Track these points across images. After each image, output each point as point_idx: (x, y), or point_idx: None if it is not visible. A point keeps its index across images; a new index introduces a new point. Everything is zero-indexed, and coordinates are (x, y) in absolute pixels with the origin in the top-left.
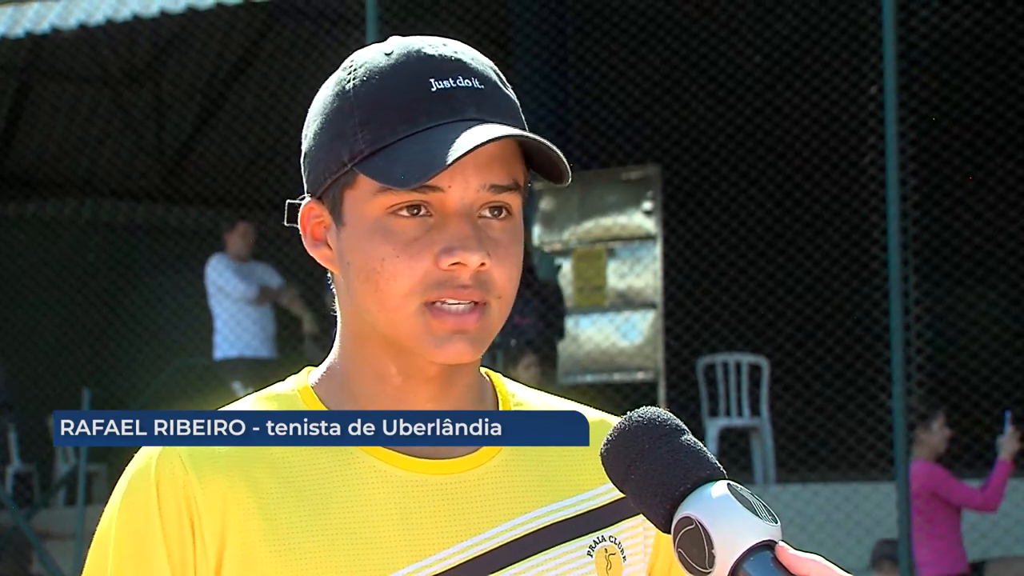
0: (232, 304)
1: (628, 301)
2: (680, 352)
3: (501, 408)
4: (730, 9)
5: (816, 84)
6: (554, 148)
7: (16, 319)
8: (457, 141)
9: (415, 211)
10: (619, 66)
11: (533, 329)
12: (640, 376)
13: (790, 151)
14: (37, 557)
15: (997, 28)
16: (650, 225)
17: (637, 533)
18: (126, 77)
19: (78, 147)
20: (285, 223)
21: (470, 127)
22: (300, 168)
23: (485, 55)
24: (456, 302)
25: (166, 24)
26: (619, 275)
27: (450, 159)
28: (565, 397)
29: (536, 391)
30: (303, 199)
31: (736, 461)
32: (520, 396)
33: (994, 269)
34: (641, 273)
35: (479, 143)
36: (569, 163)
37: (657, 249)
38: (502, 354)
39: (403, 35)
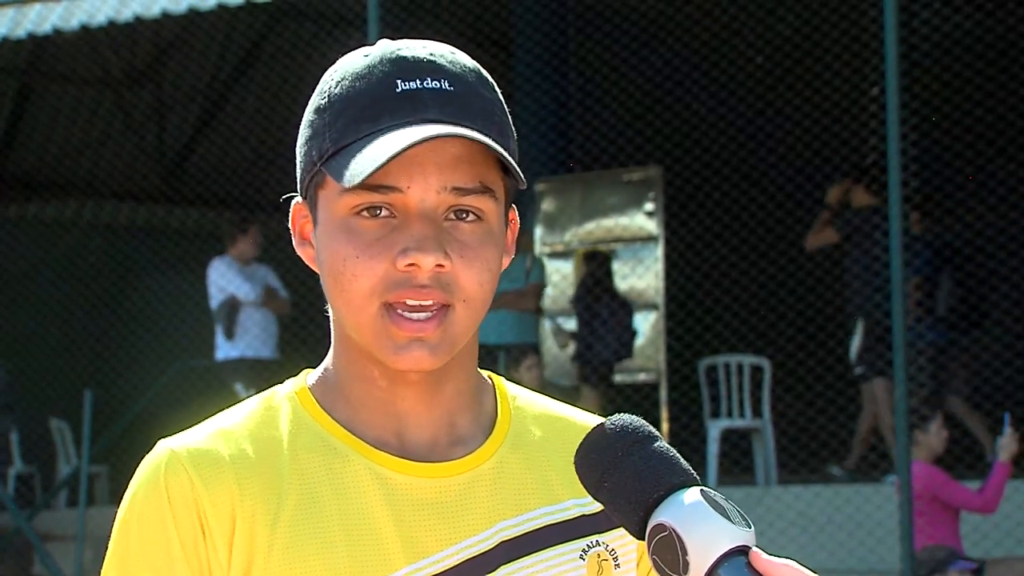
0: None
1: (630, 302)
2: (682, 353)
3: (500, 411)
4: (731, 10)
5: (818, 85)
6: (498, 149)
7: (17, 321)
8: (396, 138)
9: (376, 212)
10: (620, 67)
11: (609, 350)
12: (642, 377)
13: (792, 152)
14: (38, 558)
15: (998, 29)
16: (652, 226)
17: (629, 540)
18: (127, 78)
19: (79, 149)
20: (289, 223)
21: (419, 126)
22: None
23: (486, 56)
24: (416, 302)
25: (167, 25)
26: (621, 276)
27: (385, 157)
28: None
29: (539, 395)
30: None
31: (738, 462)
32: (522, 399)
33: (995, 270)
34: (643, 274)
35: (412, 142)
36: (571, 164)
37: (659, 250)
38: (504, 355)
39: (403, 37)
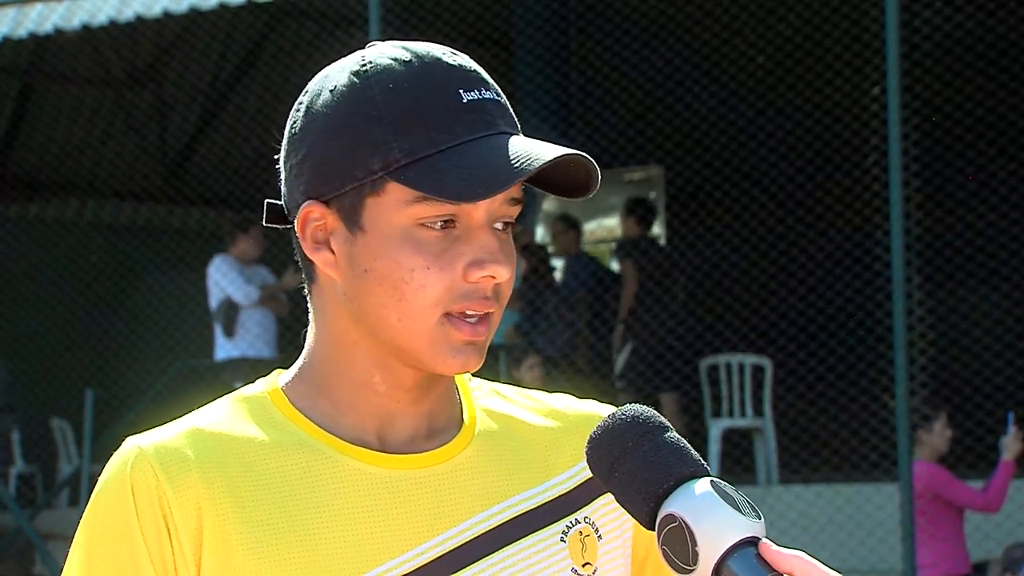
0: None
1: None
2: (683, 353)
3: (464, 401)
4: (732, 10)
5: (819, 85)
6: (595, 167)
7: (19, 320)
8: (515, 155)
9: (441, 223)
10: (622, 67)
11: (552, 345)
12: None
13: (793, 152)
14: (40, 558)
15: (1000, 29)
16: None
17: (611, 509)
18: (129, 78)
19: (81, 148)
20: (264, 223)
21: (507, 142)
22: (294, 169)
23: (487, 56)
24: (475, 313)
25: (169, 25)
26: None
27: (521, 174)
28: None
29: (495, 383)
30: (299, 201)
31: (739, 462)
32: (483, 389)
33: (997, 270)
34: None
35: (551, 158)
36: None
37: None
38: (505, 355)
39: (404, 37)
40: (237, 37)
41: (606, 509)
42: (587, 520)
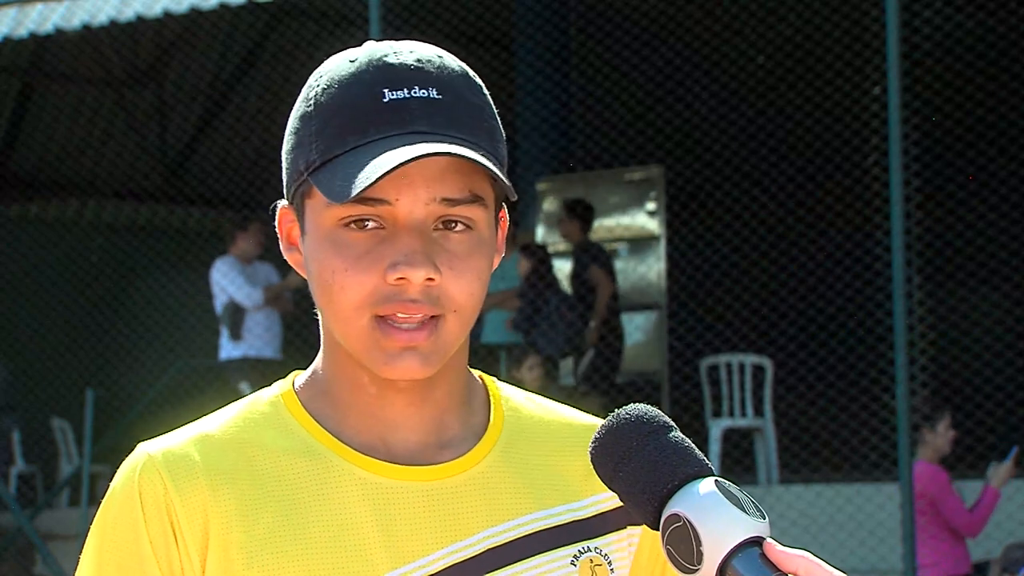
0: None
1: (631, 301)
2: (683, 353)
3: (493, 414)
4: (733, 10)
5: (819, 85)
6: (486, 164)
7: (19, 320)
8: (386, 157)
9: (364, 224)
10: (622, 67)
11: (552, 345)
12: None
13: (793, 151)
14: (41, 558)
15: (1000, 29)
16: (653, 226)
17: (623, 546)
18: (129, 78)
19: (81, 148)
20: (275, 225)
21: (412, 142)
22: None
23: (487, 56)
24: (407, 316)
25: (169, 25)
26: (623, 275)
27: (373, 177)
28: (568, 400)
29: (535, 395)
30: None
31: (739, 462)
32: (516, 400)
33: (997, 270)
34: (644, 274)
35: (398, 163)
36: (572, 164)
37: (661, 249)
38: (506, 355)
39: (405, 37)
40: (237, 37)
41: (620, 544)
42: (600, 551)
